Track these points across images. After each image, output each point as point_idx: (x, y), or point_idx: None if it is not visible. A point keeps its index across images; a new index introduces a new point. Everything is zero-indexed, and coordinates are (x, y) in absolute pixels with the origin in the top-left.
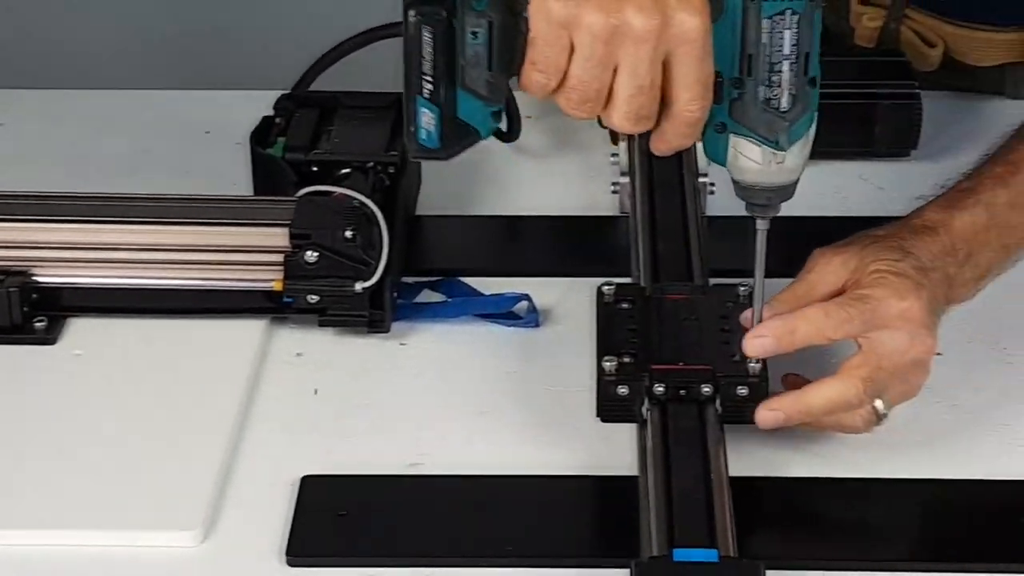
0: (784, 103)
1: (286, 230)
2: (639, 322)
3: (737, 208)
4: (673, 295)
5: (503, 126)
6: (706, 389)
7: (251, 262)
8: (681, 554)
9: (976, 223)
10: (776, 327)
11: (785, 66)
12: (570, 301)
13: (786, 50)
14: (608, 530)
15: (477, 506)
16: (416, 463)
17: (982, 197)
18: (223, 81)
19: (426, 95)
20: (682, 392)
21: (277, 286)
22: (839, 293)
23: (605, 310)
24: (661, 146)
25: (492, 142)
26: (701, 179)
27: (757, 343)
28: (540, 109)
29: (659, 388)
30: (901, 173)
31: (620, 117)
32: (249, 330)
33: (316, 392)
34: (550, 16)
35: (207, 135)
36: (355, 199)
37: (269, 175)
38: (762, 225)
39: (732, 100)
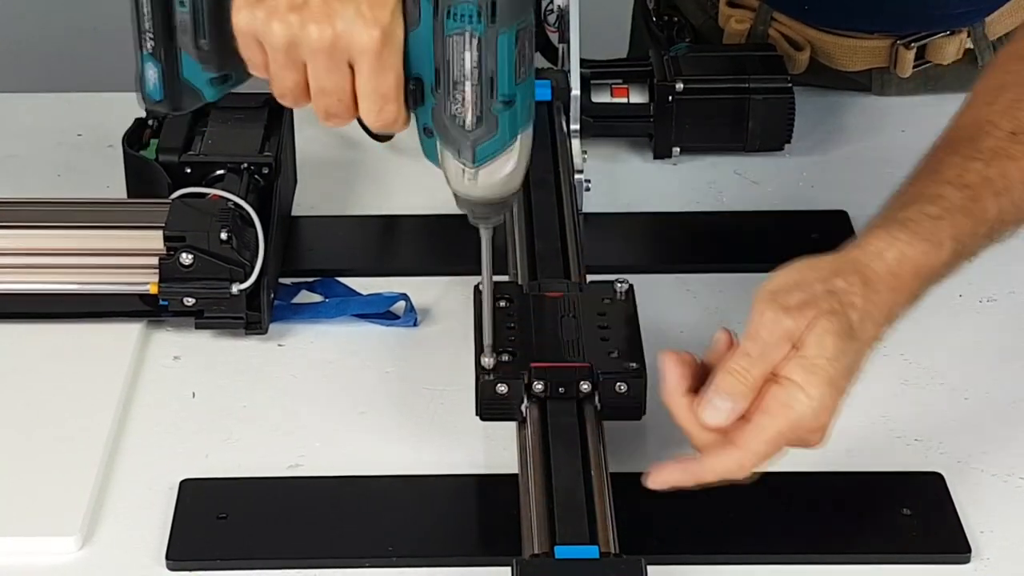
0: (468, 122)
1: (160, 233)
2: (517, 320)
3: (613, 205)
4: (551, 293)
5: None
6: (585, 386)
7: (126, 265)
8: (563, 551)
9: (945, 261)
10: (678, 474)
11: (467, 86)
12: (448, 300)
13: (467, 70)
14: (490, 529)
15: (358, 507)
16: (295, 465)
17: (950, 230)
18: (95, 83)
19: (148, 50)
20: (561, 389)
21: (153, 289)
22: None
23: (483, 308)
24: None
25: (368, 141)
26: (577, 177)
27: (659, 479)
28: None
29: (538, 386)
30: (775, 167)
31: (316, 110)
32: (125, 334)
33: (194, 395)
34: (239, 21)
35: (79, 138)
36: (230, 200)
37: (143, 178)
38: (483, 234)
39: (433, 107)
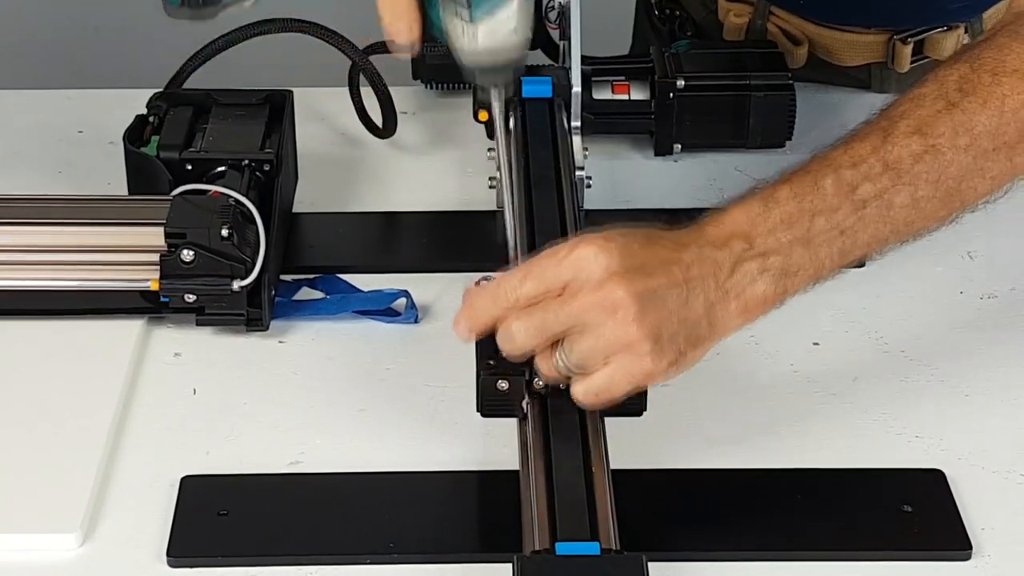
0: None
1: (161, 229)
2: None
3: (614, 202)
4: None
5: None
6: None
7: (127, 262)
8: (564, 547)
9: (752, 213)
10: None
11: None
12: (449, 297)
13: None
14: (490, 525)
15: (359, 503)
16: (296, 461)
17: (762, 192)
18: (96, 80)
19: None
20: (562, 386)
21: (154, 285)
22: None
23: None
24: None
25: (369, 138)
26: (578, 173)
27: (459, 329)
28: (416, 105)
29: (539, 382)
30: (776, 164)
31: None
32: (126, 330)
33: (195, 392)
34: None
35: (80, 135)
36: (231, 197)
37: (144, 174)
38: (494, 95)
39: None
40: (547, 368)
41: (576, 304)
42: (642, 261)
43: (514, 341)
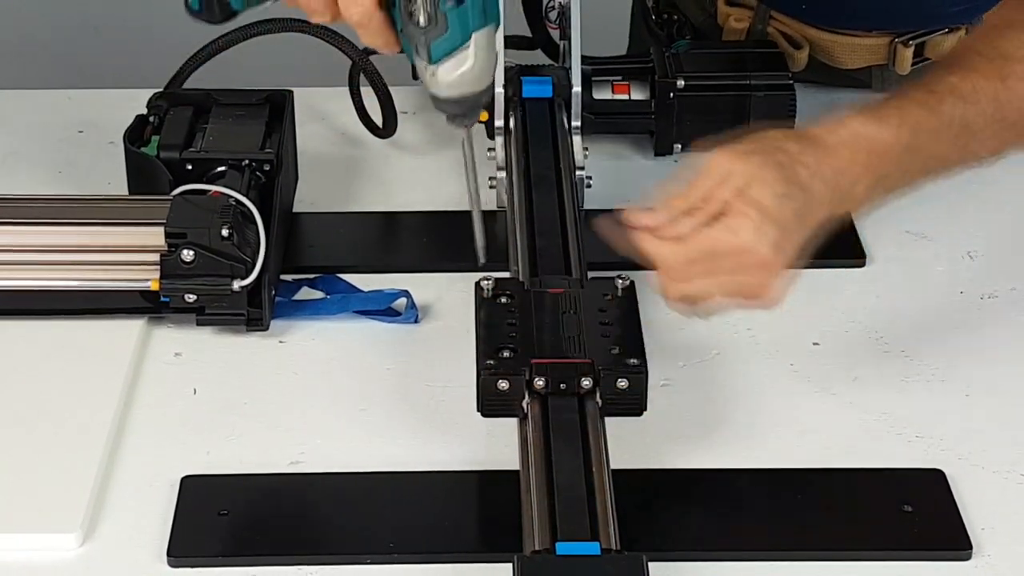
0: (421, 19)
1: (162, 229)
2: (518, 316)
3: (614, 202)
4: (552, 289)
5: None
6: (586, 382)
7: (127, 262)
8: (564, 547)
9: (901, 142)
10: (631, 220)
11: None
12: (449, 296)
13: None
14: (491, 525)
15: (359, 503)
16: (297, 461)
17: (905, 116)
18: (96, 80)
19: None
20: (562, 385)
21: (154, 285)
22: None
23: (484, 305)
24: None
25: (369, 138)
26: (578, 173)
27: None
28: (416, 105)
29: (539, 382)
30: None
31: (301, 5)
32: (127, 330)
33: (195, 392)
34: None
35: (81, 134)
36: (231, 197)
37: (144, 174)
38: (462, 134)
39: (399, 9)
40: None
41: (729, 283)
42: (799, 236)
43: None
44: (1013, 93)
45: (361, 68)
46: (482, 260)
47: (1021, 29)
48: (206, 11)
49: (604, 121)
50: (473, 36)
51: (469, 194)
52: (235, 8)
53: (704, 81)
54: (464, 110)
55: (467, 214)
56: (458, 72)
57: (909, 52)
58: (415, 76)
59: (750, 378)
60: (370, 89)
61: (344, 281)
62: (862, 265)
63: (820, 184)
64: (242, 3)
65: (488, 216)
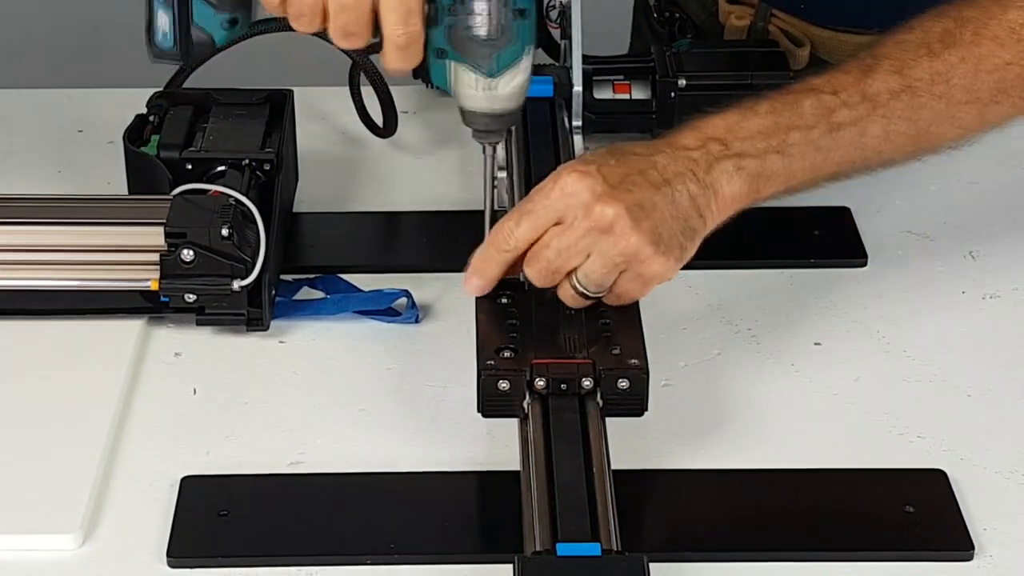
0: (488, 32)
1: (161, 229)
2: (519, 316)
3: None
4: (553, 289)
5: (235, 31)
6: (587, 382)
7: (127, 262)
8: (564, 548)
9: (730, 122)
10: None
11: None
12: (450, 296)
13: None
14: (491, 526)
15: (359, 504)
16: (297, 462)
17: (740, 106)
18: (96, 79)
19: None
20: (563, 386)
21: (154, 285)
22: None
23: (485, 305)
24: (387, 67)
25: (370, 138)
26: None
27: (471, 285)
28: (417, 104)
29: (540, 382)
30: None
31: (332, 31)
32: (126, 330)
33: (195, 392)
34: None
35: (80, 134)
36: (231, 197)
37: (144, 174)
38: (488, 151)
39: (449, 27)
40: (572, 300)
41: (574, 234)
42: (622, 175)
43: (535, 285)
44: (878, 82)
45: (361, 68)
46: None
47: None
48: (180, 48)
49: (605, 121)
50: (528, 48)
51: (485, 209)
52: (218, 43)
53: (705, 80)
54: (503, 125)
55: (468, 214)
56: (514, 83)
57: None
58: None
59: (751, 378)
60: (370, 89)
61: (344, 281)
62: (863, 265)
63: (664, 153)
64: (226, 36)
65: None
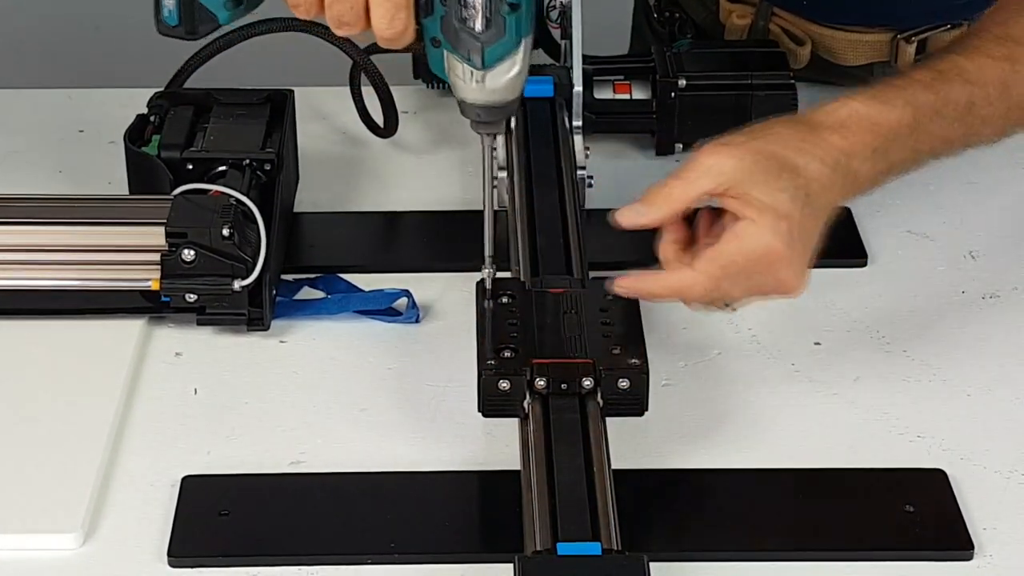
0: (478, 25)
1: (162, 229)
2: (520, 316)
3: (615, 201)
4: (553, 289)
5: (237, 12)
6: (587, 382)
7: (128, 261)
8: (565, 548)
9: (904, 122)
10: (637, 282)
11: None
12: (450, 296)
13: None
14: (492, 525)
15: (360, 503)
16: (297, 461)
17: (908, 96)
18: (97, 79)
19: None
20: (563, 385)
21: (154, 285)
22: (711, 193)
23: (485, 304)
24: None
25: (370, 138)
26: (580, 172)
27: (623, 284)
28: (417, 104)
29: (540, 382)
30: None
31: (328, 20)
32: (127, 330)
33: (196, 392)
34: None
35: (81, 134)
36: (232, 197)
37: (144, 174)
38: (485, 141)
39: (441, 17)
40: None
41: (752, 286)
42: (813, 233)
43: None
44: (1020, 76)
45: (362, 68)
46: (487, 268)
47: None
48: (185, 25)
49: (605, 121)
50: (523, 41)
51: (484, 202)
52: (221, 21)
53: (705, 80)
54: (498, 117)
55: (468, 214)
56: (506, 77)
57: (911, 48)
58: (416, 75)
59: (751, 378)
60: (371, 89)
61: (345, 281)
62: (863, 265)
63: (818, 165)
64: (229, 16)
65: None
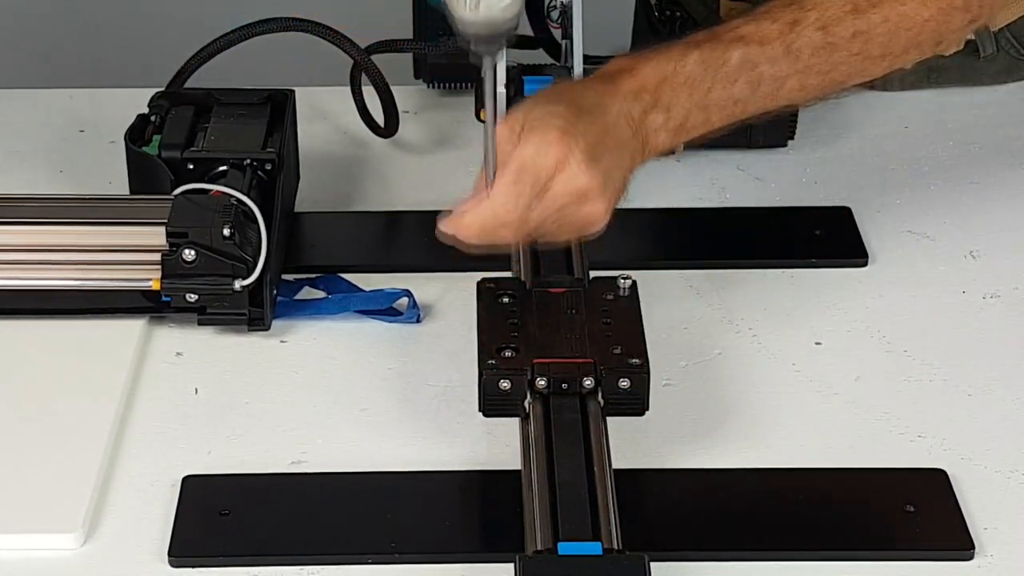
0: None
1: (163, 229)
2: (520, 316)
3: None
4: (554, 289)
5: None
6: (588, 382)
7: (128, 261)
8: (566, 548)
9: (663, 72)
10: (453, 224)
11: None
12: (451, 296)
13: None
14: (493, 525)
15: (360, 503)
16: (298, 461)
17: (672, 54)
18: (97, 79)
19: None
20: (564, 385)
21: (155, 285)
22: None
23: (486, 304)
24: None
25: (371, 138)
26: None
27: (442, 229)
28: (418, 104)
29: (541, 382)
30: (778, 163)
31: None
32: (128, 330)
33: (196, 391)
34: None
35: (82, 134)
36: (232, 196)
37: (145, 174)
38: (486, 63)
39: None
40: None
41: (551, 207)
42: (594, 139)
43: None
44: (804, 34)
45: (363, 67)
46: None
47: None
48: None
49: None
50: None
51: (488, 118)
52: None
53: None
54: (492, 39)
55: None
56: (500, 4)
57: None
58: (416, 75)
59: (752, 378)
60: (372, 88)
61: (346, 281)
62: (864, 265)
63: (611, 101)
64: None
65: None
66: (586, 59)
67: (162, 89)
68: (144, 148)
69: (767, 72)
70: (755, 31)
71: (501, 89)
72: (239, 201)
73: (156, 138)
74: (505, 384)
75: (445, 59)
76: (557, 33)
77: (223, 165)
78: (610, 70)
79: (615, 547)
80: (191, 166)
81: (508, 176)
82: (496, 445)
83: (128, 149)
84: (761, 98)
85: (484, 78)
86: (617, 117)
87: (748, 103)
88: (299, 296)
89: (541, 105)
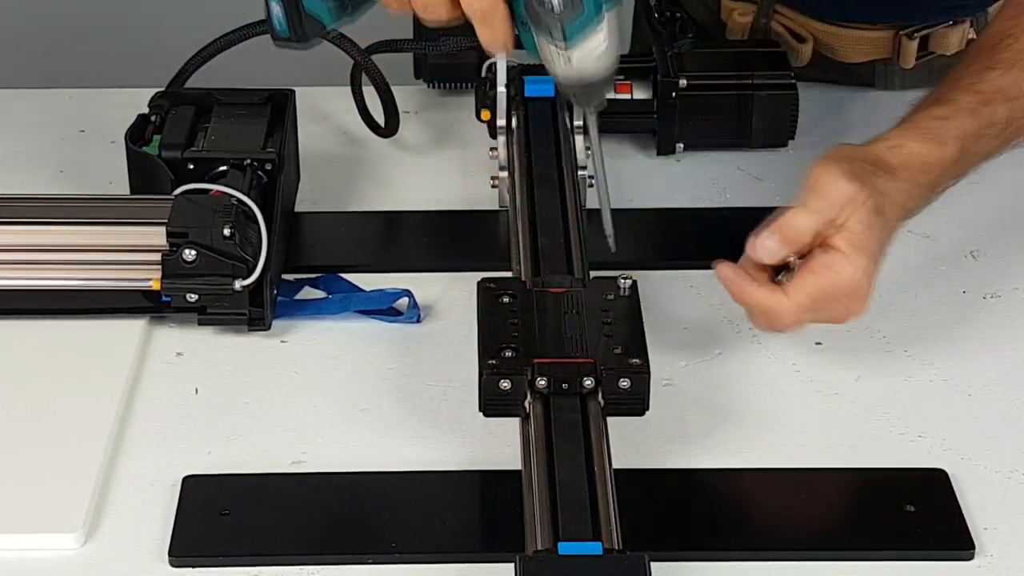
0: (556, 4)
1: (163, 229)
2: (521, 316)
3: (617, 201)
4: (554, 289)
5: (345, 13)
6: (588, 382)
7: (129, 261)
8: (566, 547)
9: (952, 157)
10: (736, 279)
11: None
12: (451, 296)
13: None
14: (493, 525)
15: (361, 503)
16: (298, 461)
17: (955, 131)
18: (97, 79)
19: None
20: (565, 385)
21: (155, 285)
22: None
23: (486, 304)
24: (484, 45)
25: (371, 138)
26: (580, 173)
27: (724, 274)
28: (418, 104)
29: (541, 382)
30: (778, 163)
31: (414, 5)
32: (128, 330)
33: (197, 391)
34: None
35: (82, 134)
36: (233, 196)
37: (145, 174)
38: (590, 119)
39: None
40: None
41: (826, 314)
42: (883, 252)
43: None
44: None
45: (363, 67)
46: (613, 249)
47: None
48: (294, 33)
49: (606, 120)
50: (605, 15)
51: (597, 179)
52: (326, 24)
53: (706, 80)
54: (596, 92)
55: (469, 214)
56: (593, 53)
57: (914, 45)
58: (417, 75)
59: (752, 378)
60: (372, 88)
61: (346, 281)
62: None
63: (892, 210)
64: (332, 17)
65: (489, 216)
66: None
67: (162, 89)
68: (144, 148)
69: (1021, 123)
70: (1015, 87)
71: (501, 89)
72: (239, 201)
73: (156, 138)
74: (505, 384)
75: (445, 59)
76: None
77: (223, 165)
78: (906, 163)
79: (615, 547)
80: (191, 166)
81: (808, 301)
82: (496, 445)
83: (128, 149)
84: (1004, 146)
85: (588, 128)
86: (893, 221)
87: (994, 154)
88: (299, 296)
89: (859, 203)
